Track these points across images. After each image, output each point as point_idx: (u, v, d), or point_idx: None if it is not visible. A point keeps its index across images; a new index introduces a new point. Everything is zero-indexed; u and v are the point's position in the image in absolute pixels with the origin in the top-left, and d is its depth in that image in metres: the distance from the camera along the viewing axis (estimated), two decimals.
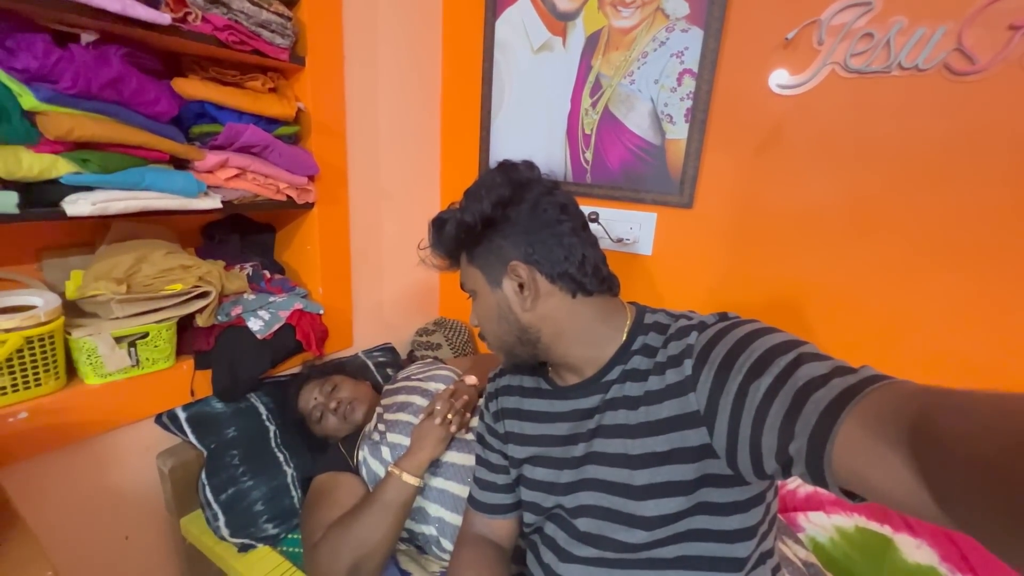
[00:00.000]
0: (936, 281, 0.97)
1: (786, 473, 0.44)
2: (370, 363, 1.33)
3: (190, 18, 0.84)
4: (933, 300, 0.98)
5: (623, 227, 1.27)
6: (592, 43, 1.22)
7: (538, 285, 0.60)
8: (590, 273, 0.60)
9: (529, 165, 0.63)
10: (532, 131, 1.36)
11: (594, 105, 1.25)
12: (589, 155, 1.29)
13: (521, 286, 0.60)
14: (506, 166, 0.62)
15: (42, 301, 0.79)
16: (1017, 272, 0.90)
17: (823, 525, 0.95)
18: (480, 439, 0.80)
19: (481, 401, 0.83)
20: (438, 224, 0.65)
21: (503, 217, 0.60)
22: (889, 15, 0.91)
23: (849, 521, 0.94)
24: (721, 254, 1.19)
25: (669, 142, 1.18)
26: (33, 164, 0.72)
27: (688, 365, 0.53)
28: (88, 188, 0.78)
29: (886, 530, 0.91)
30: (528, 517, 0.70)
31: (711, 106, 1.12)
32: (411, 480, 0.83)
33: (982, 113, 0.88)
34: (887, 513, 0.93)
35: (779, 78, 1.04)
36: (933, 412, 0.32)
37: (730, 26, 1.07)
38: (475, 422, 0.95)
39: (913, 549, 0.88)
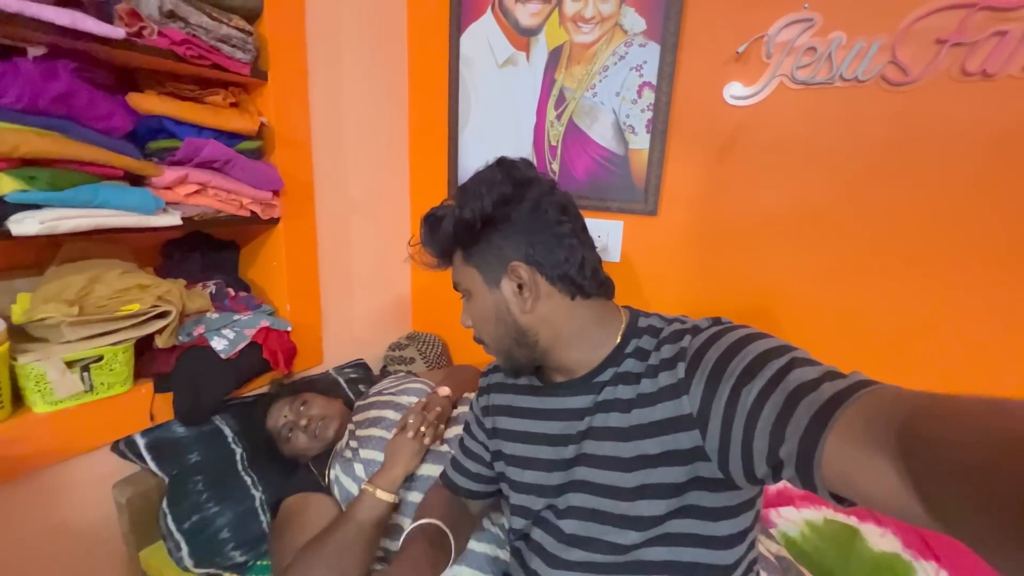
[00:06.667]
0: (883, 277, 1.02)
1: (776, 477, 0.44)
2: (341, 380, 1.31)
3: (146, 32, 0.82)
4: (881, 296, 1.03)
5: (591, 235, 1.29)
6: (555, 58, 1.25)
7: (539, 286, 0.58)
8: (589, 276, 0.59)
9: (527, 163, 0.61)
10: (499, 143, 1.38)
11: (559, 117, 1.28)
12: (556, 166, 1.31)
13: (520, 287, 0.58)
14: (506, 163, 0.60)
15: None
16: (954, 267, 0.96)
17: (793, 520, 0.97)
18: (466, 427, 0.80)
19: (471, 395, 0.82)
20: (432, 221, 0.63)
21: (504, 216, 0.58)
22: (829, 30, 0.97)
23: (818, 514, 0.97)
24: (686, 259, 1.22)
25: (632, 152, 1.21)
26: None
27: (681, 368, 0.53)
28: (36, 206, 0.75)
29: (852, 520, 0.94)
30: (517, 522, 0.69)
31: (671, 117, 1.16)
32: (385, 497, 0.81)
33: (916, 120, 0.95)
34: None
35: (733, 90, 1.09)
36: (921, 416, 0.32)
37: (685, 40, 1.12)
38: (450, 433, 0.94)
39: (878, 538, 0.91)
